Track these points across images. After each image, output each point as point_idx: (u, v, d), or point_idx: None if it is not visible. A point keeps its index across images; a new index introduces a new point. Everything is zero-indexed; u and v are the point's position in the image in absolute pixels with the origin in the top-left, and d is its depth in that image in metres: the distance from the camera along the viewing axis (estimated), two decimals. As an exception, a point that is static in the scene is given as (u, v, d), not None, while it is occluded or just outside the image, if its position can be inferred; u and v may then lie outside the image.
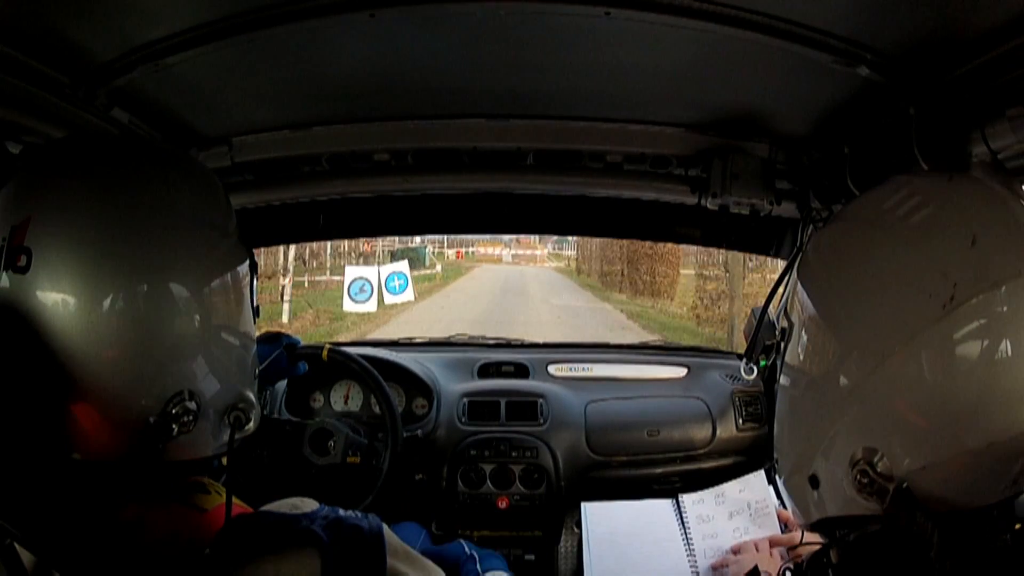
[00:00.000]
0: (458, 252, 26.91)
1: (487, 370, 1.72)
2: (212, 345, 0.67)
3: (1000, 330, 0.57)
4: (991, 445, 0.57)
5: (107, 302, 0.59)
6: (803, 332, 0.69)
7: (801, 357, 0.69)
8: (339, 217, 1.55)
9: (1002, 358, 0.57)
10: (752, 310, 1.56)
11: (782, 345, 0.73)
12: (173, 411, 0.63)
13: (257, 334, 0.81)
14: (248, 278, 0.73)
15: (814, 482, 0.67)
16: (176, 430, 0.63)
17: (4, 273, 0.59)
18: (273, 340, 1.19)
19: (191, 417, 0.64)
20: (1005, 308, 0.57)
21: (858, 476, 0.61)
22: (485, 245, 26.55)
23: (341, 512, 0.64)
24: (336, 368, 1.41)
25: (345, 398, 1.61)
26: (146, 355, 0.62)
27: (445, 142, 1.29)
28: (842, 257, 0.68)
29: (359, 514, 0.65)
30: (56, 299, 0.58)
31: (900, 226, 0.63)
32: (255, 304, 0.76)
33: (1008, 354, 0.57)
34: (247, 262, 0.74)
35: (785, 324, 0.73)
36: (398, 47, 0.97)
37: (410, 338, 1.96)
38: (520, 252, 27.29)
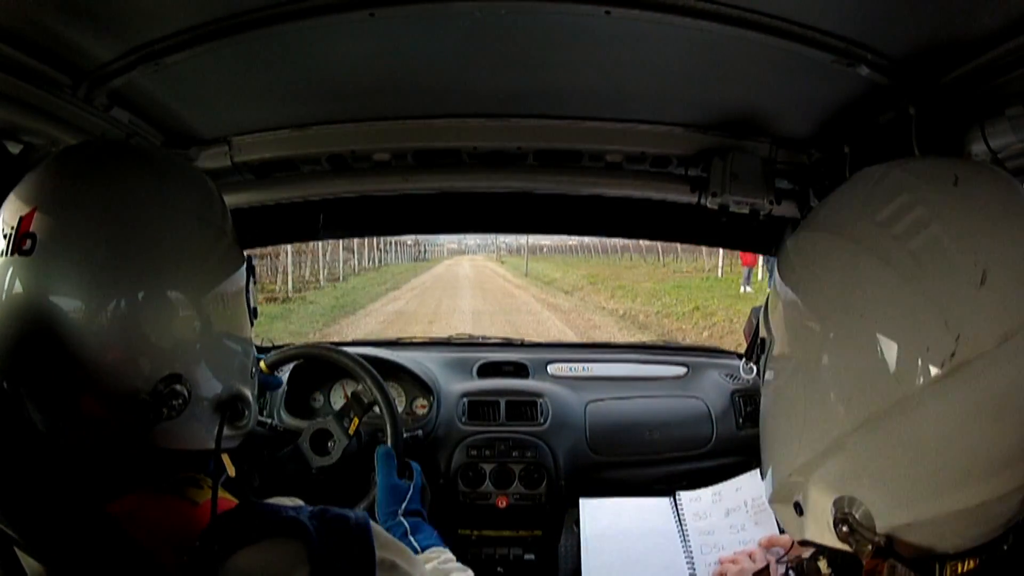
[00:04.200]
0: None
1: (487, 370, 1.73)
2: (206, 347, 0.68)
3: (1006, 389, 0.50)
4: (983, 504, 0.53)
5: (109, 303, 0.61)
6: (785, 355, 0.63)
7: (781, 383, 0.64)
8: (339, 217, 1.55)
9: (1004, 419, 0.50)
10: (752, 309, 1.56)
11: (763, 358, 0.69)
12: (165, 391, 0.63)
13: None
14: (245, 281, 0.74)
15: (798, 509, 0.64)
16: (166, 413, 0.64)
17: (12, 257, 0.62)
18: None
19: (181, 401, 0.65)
20: (1012, 364, 0.49)
21: (839, 524, 0.57)
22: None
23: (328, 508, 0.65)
24: (336, 368, 1.41)
25: (345, 398, 1.61)
26: (141, 352, 0.63)
27: (445, 142, 1.29)
28: (831, 282, 0.59)
29: (347, 510, 0.65)
30: (56, 286, 0.61)
31: (898, 252, 0.54)
32: (252, 306, 0.77)
33: (1012, 413, 0.50)
34: (244, 265, 0.74)
35: (765, 336, 0.68)
36: (398, 46, 0.97)
37: (410, 338, 1.96)
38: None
